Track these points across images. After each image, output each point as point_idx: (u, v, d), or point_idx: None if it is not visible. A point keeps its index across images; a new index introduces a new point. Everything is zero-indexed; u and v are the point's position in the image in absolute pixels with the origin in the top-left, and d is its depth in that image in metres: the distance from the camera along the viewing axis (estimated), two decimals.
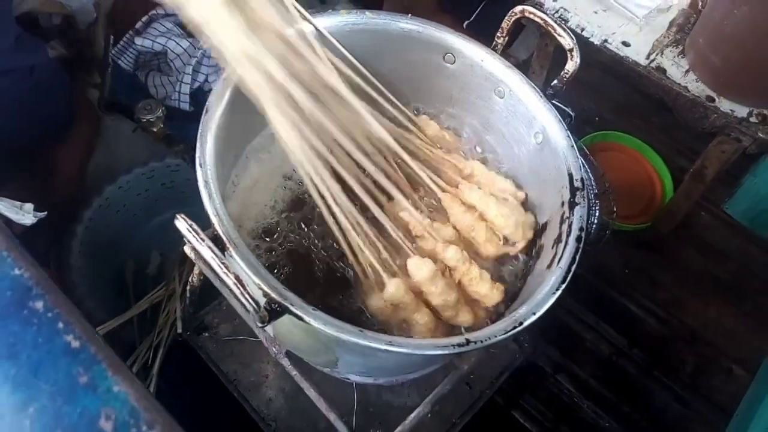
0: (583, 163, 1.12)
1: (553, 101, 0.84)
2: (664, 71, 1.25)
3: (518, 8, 0.75)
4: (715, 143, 1.27)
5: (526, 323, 0.60)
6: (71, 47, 1.42)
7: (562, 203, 0.70)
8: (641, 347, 1.38)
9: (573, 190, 0.70)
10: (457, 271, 0.71)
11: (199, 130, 0.65)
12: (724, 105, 1.20)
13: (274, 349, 0.77)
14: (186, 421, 0.37)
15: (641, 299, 1.44)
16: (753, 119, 1.18)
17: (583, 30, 1.30)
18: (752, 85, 1.18)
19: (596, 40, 1.28)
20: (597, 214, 1.23)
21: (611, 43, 1.28)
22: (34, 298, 0.34)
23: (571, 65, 0.75)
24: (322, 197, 0.66)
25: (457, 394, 1.06)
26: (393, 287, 0.66)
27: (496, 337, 0.59)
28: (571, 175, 0.71)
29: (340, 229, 0.67)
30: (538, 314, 0.61)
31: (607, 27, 1.31)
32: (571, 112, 0.94)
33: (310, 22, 0.75)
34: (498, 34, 0.78)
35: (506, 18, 0.77)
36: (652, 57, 1.27)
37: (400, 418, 0.74)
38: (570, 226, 0.68)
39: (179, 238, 0.74)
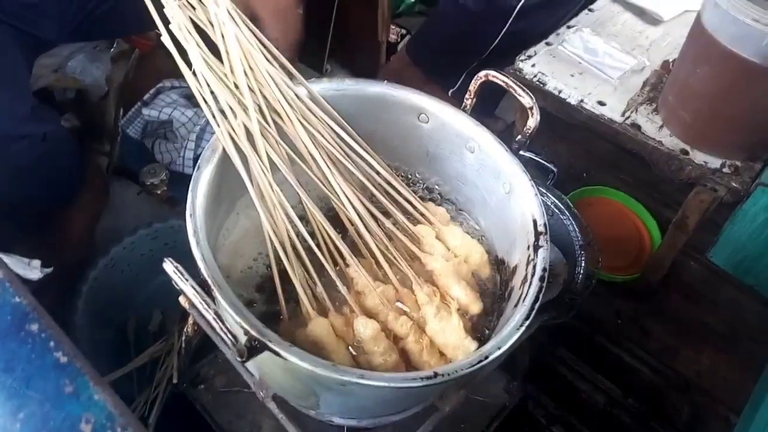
0: (554, 209, 1.17)
1: (536, 158, 0.90)
2: (639, 127, 1.32)
3: (482, 72, 0.83)
4: (694, 194, 1.32)
5: (491, 357, 0.64)
6: (83, 118, 1.53)
7: (528, 247, 0.75)
8: (636, 397, 1.38)
9: (537, 234, 0.75)
10: (407, 339, 0.73)
11: (191, 185, 0.72)
12: (698, 157, 1.26)
13: (261, 393, 0.81)
14: None
15: (634, 349, 1.46)
16: (726, 170, 1.24)
17: (560, 92, 1.38)
18: (721, 138, 1.24)
19: (573, 101, 1.36)
20: (583, 264, 1.27)
21: (587, 103, 1.36)
22: (31, 321, 0.40)
23: (532, 122, 0.82)
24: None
25: None
26: (314, 325, 0.70)
27: (462, 370, 0.63)
28: (535, 221, 0.76)
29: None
30: (503, 349, 0.65)
31: (584, 88, 1.39)
32: (554, 168, 1.00)
33: (306, 87, 0.83)
34: (466, 97, 0.86)
35: (473, 82, 0.85)
36: (627, 114, 1.34)
37: None
38: (534, 267, 0.72)
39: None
